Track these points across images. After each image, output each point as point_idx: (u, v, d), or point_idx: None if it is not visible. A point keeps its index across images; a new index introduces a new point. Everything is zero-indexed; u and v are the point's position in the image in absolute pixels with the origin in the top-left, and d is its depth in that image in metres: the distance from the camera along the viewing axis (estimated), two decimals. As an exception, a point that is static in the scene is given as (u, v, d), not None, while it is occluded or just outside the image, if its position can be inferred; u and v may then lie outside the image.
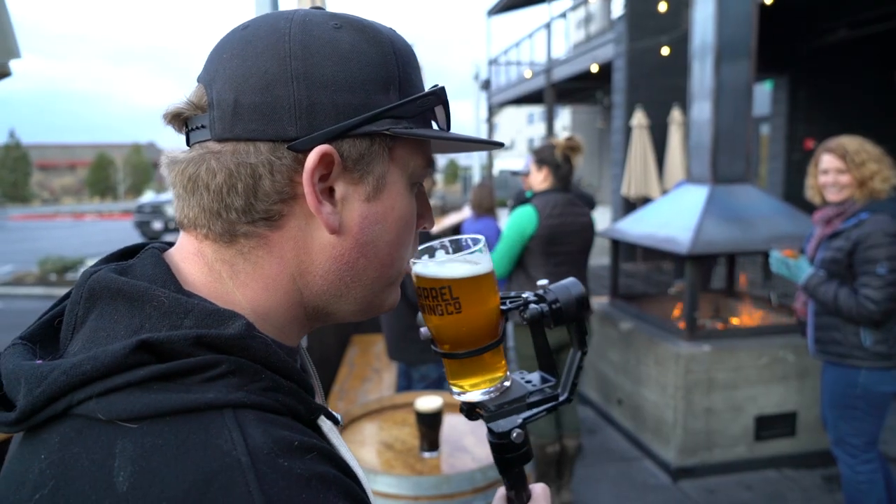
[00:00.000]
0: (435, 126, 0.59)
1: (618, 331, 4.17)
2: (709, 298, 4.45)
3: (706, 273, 5.44)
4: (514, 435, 0.66)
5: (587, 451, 3.91)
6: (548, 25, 13.64)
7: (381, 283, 0.59)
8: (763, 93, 10.08)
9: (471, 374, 0.66)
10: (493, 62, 18.26)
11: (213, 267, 0.54)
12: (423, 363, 3.03)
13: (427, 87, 0.59)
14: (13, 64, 1.66)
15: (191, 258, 0.55)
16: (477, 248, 0.63)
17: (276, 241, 0.54)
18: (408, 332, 3.01)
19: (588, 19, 14.13)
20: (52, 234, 20.24)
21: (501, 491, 0.73)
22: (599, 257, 9.59)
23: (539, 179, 3.14)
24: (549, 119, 13.70)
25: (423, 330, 0.67)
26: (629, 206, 9.44)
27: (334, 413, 0.58)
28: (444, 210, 7.99)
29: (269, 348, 0.49)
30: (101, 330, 0.48)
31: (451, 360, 0.65)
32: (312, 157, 0.51)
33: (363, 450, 2.11)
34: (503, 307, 0.66)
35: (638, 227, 4.28)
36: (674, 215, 4.02)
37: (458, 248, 0.65)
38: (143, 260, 0.54)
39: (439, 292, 0.62)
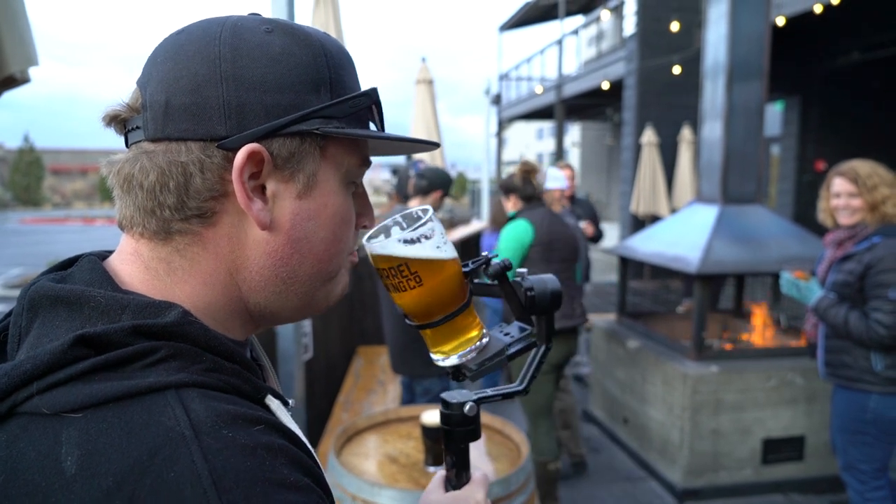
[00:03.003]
0: (373, 127, 0.61)
1: (625, 349, 4.14)
2: (717, 319, 4.42)
3: (715, 293, 5.41)
4: (468, 408, 0.68)
5: (592, 469, 3.87)
6: (559, 42, 13.71)
7: (320, 279, 0.60)
8: (774, 113, 10.07)
9: (447, 340, 0.67)
10: (503, 77, 18.36)
11: (150, 265, 0.55)
12: (426, 377, 3.02)
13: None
14: (31, 71, 1.68)
15: (128, 259, 0.56)
16: (425, 219, 0.64)
17: (211, 238, 0.55)
18: (411, 344, 3.00)
19: (600, 37, 14.20)
20: (63, 238, 20.40)
21: (441, 472, 0.75)
22: (607, 274, 9.56)
23: (510, 206, 3.36)
24: (559, 135, 13.73)
25: (398, 308, 0.68)
26: (638, 223, 9.42)
27: (285, 397, 0.59)
28: (453, 223, 7.98)
29: (208, 332, 0.51)
30: (44, 336, 0.49)
31: (426, 331, 0.67)
32: (240, 156, 0.52)
33: (367, 462, 2.09)
34: (465, 269, 0.67)
35: (647, 244, 4.27)
36: (683, 234, 4.01)
37: (411, 221, 0.66)
38: (80, 267, 0.56)
39: (398, 270, 0.63)
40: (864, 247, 2.47)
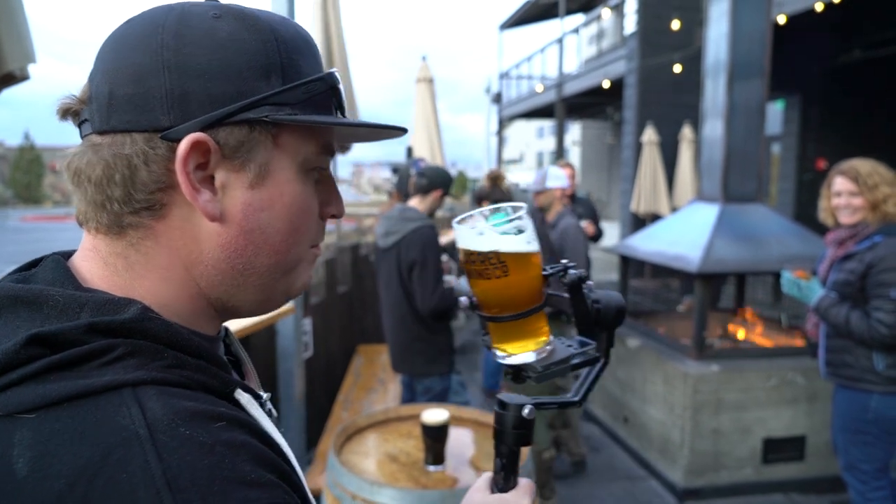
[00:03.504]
0: (341, 116, 0.59)
1: (625, 348, 4.13)
2: (718, 318, 4.42)
3: (715, 292, 5.40)
4: (527, 411, 0.66)
5: (592, 468, 3.87)
6: (560, 41, 13.69)
7: (278, 270, 0.58)
8: (775, 112, 10.05)
9: (516, 338, 0.67)
10: (504, 76, 18.34)
11: (108, 261, 0.55)
12: (426, 376, 3.01)
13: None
14: (31, 68, 1.67)
15: (88, 255, 0.56)
16: (522, 213, 0.64)
17: (163, 231, 0.54)
18: (413, 343, 2.99)
19: (600, 35, 14.18)
20: (64, 236, 20.39)
21: (487, 474, 0.74)
22: (608, 273, 9.55)
23: None
24: (559, 134, 13.72)
25: (463, 299, 0.69)
26: (638, 222, 9.41)
27: (258, 391, 0.59)
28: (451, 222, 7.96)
29: (170, 328, 0.50)
30: (4, 337, 0.48)
31: (498, 324, 0.67)
32: (183, 146, 0.51)
33: (367, 461, 2.09)
34: (544, 272, 0.67)
35: (648, 243, 4.26)
36: (684, 233, 4.00)
37: (501, 214, 0.66)
38: (43, 266, 0.55)
39: (486, 256, 0.63)
40: (866, 246, 2.46)
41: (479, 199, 3.75)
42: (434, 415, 2.00)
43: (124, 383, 0.45)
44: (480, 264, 0.63)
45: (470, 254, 0.64)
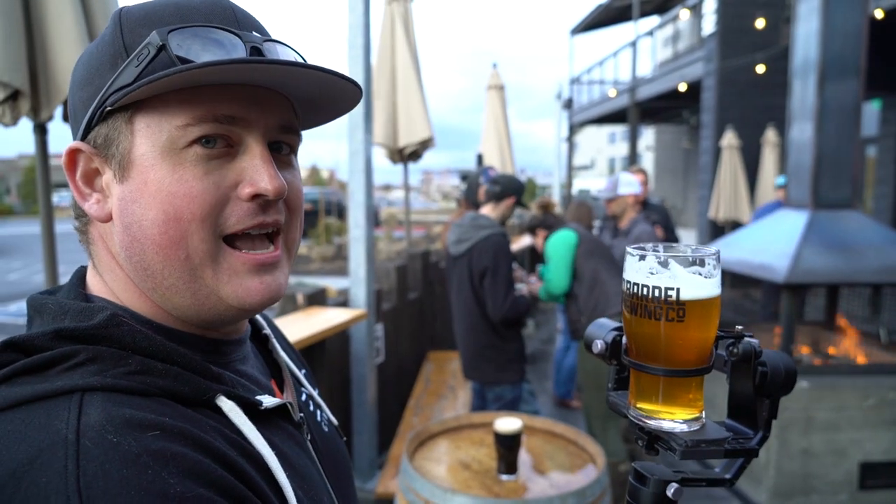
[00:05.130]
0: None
1: (704, 361, 3.96)
2: (807, 331, 4.15)
3: (799, 304, 5.09)
4: (672, 491, 0.56)
5: (668, 485, 3.72)
6: (633, 43, 13.37)
7: (176, 267, 0.52)
8: (871, 112, 9.39)
9: (669, 400, 0.56)
10: (575, 81, 18.09)
11: (92, 267, 0.59)
12: (498, 384, 2.99)
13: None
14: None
15: (90, 265, 0.60)
16: (717, 256, 0.55)
17: (97, 237, 0.58)
18: (484, 350, 2.99)
19: (676, 37, 13.74)
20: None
21: None
22: (683, 282, 9.18)
23: (540, 242, 3.80)
24: (633, 138, 13.37)
25: (599, 342, 0.59)
26: (717, 229, 9.02)
27: (259, 397, 0.55)
28: (522, 229, 7.91)
29: (137, 335, 0.50)
30: None
31: (651, 377, 0.56)
32: (63, 159, 0.55)
33: (439, 467, 2.10)
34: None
35: (730, 251, 4.07)
36: (769, 241, 3.79)
37: (675, 252, 0.57)
38: (70, 278, 0.60)
39: (665, 293, 0.53)
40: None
41: (531, 229, 3.75)
42: (507, 423, 1.98)
43: (74, 388, 0.45)
44: (653, 301, 0.54)
45: (644, 287, 0.55)
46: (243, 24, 0.55)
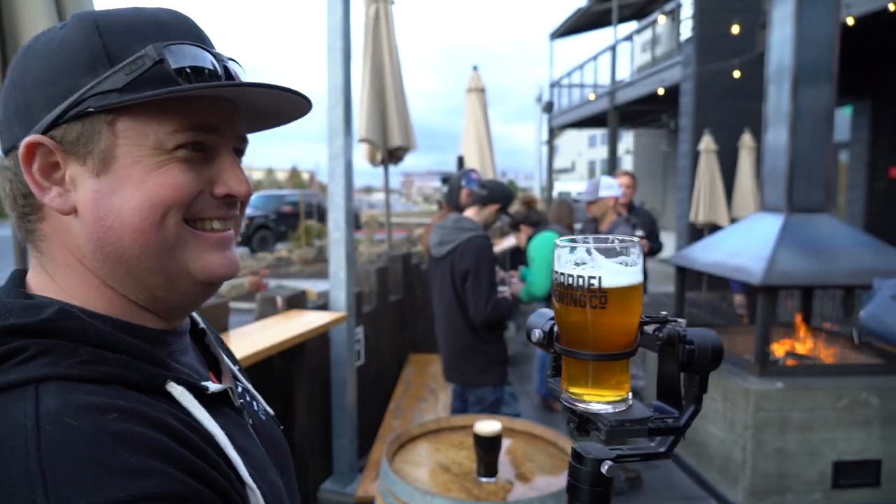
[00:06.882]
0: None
1: (682, 362, 4.00)
2: (781, 333, 4.23)
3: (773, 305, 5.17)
4: (606, 468, 0.59)
5: (648, 486, 3.76)
6: (612, 48, 13.51)
7: (153, 249, 0.57)
8: (842, 118, 9.60)
9: (594, 383, 0.59)
10: (555, 84, 18.21)
11: (39, 267, 0.60)
12: (480, 386, 3.00)
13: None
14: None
15: (32, 264, 0.62)
16: (635, 248, 0.58)
17: (50, 233, 0.59)
18: (466, 352, 2.99)
19: (654, 41, 13.92)
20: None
21: None
22: (663, 285, 9.29)
23: (523, 238, 3.84)
24: (612, 142, 13.51)
25: (537, 331, 0.62)
26: (696, 232, 9.15)
27: (205, 383, 0.59)
28: (504, 231, 7.94)
29: (86, 326, 0.53)
30: None
31: (579, 362, 0.59)
32: (21, 150, 0.56)
33: (419, 470, 2.09)
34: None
35: (707, 254, 4.13)
36: (745, 244, 3.85)
37: (606, 243, 0.60)
38: (6, 281, 0.61)
39: (588, 281, 0.56)
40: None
41: (515, 225, 3.79)
42: (487, 426, 1.98)
43: (28, 380, 0.48)
44: (577, 289, 0.57)
45: (568, 276, 0.58)
46: (207, 40, 0.62)
